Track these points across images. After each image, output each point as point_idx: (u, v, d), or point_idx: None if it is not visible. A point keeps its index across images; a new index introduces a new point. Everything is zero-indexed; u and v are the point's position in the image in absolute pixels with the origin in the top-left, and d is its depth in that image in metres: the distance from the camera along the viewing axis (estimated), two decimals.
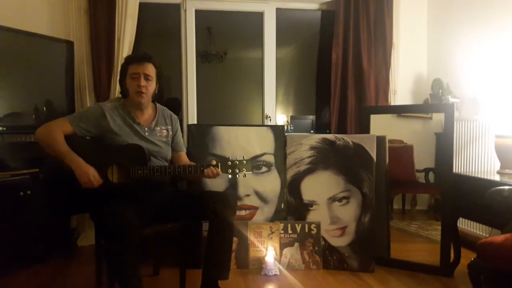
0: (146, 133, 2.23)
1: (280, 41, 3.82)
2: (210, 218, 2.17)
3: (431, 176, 3.03)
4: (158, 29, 5.45)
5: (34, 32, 2.95)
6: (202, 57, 6.43)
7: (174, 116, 2.43)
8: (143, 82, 2.16)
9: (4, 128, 2.75)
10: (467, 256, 2.57)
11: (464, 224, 3.16)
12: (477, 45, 3.28)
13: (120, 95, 2.33)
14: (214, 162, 2.14)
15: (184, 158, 2.43)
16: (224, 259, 2.17)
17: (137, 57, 2.25)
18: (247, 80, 6.77)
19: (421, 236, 3.27)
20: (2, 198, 2.54)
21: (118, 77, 2.30)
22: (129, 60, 2.24)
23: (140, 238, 1.96)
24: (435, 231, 3.15)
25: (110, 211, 1.90)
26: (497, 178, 2.52)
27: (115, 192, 2.07)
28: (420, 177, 3.06)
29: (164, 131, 2.31)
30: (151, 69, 2.20)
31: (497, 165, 2.76)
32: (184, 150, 2.47)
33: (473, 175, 2.72)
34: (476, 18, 3.29)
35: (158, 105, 2.37)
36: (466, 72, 3.39)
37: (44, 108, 3.02)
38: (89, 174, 2.00)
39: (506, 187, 2.01)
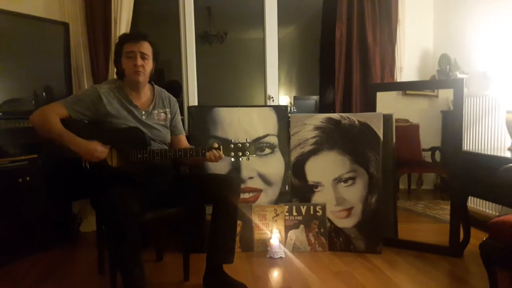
0: (143, 117, 2.16)
1: (282, 20, 3.72)
2: (214, 202, 2.12)
3: (437, 155, 2.98)
4: (156, 9, 5.34)
5: (28, 14, 2.86)
6: (202, 38, 6.33)
7: (173, 98, 2.36)
8: (139, 61, 2.09)
9: (1, 114, 2.69)
10: (476, 236, 2.54)
11: (473, 203, 3.11)
12: (486, 18, 3.16)
13: (116, 77, 2.25)
14: (216, 145, 2.08)
15: (184, 142, 2.36)
16: (228, 243, 2.13)
17: (132, 35, 2.17)
18: (248, 61, 6.67)
19: (428, 215, 3.24)
20: (1, 185, 2.49)
21: (113, 58, 2.22)
22: (123, 39, 2.15)
23: (141, 224, 1.91)
24: (442, 211, 3.12)
25: (109, 198, 1.84)
26: (508, 154, 2.45)
27: (115, 177, 2.02)
28: (426, 156, 3.02)
29: (162, 114, 2.25)
30: (147, 47, 2.12)
31: (508, 141, 2.69)
32: (184, 133, 2.40)
33: (483, 152, 2.64)
34: None
35: (156, 86, 2.30)
36: (475, 47, 3.29)
37: (44, 94, 2.96)
38: (92, 148, 1.96)
39: None
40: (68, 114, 2.05)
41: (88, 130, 2.07)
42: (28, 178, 2.62)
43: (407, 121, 3.01)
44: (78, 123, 2.09)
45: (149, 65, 2.15)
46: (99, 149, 1.98)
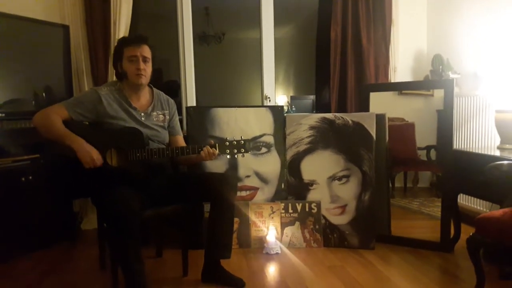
0: (143, 118, 2.22)
1: (279, 20, 3.77)
2: (212, 200, 2.19)
3: (432, 153, 3.03)
4: (154, 11, 5.39)
5: (29, 17, 2.91)
6: (200, 38, 6.37)
7: (171, 101, 2.41)
8: (142, 65, 2.14)
9: (3, 115, 2.75)
10: (468, 232, 2.59)
11: (465, 200, 3.17)
12: (478, 19, 3.22)
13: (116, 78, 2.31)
14: (212, 142, 2.13)
15: (180, 142, 2.42)
16: (225, 239, 2.19)
17: (133, 39, 2.21)
18: (246, 61, 6.71)
19: (423, 213, 3.30)
20: (4, 184, 2.56)
21: (112, 60, 2.28)
22: (124, 42, 2.20)
23: (141, 221, 1.96)
24: (436, 208, 3.17)
25: (109, 196, 1.90)
26: (497, 153, 2.51)
27: (115, 176, 2.07)
28: (422, 154, 3.06)
29: (161, 115, 2.30)
30: (147, 51, 2.18)
31: (497, 140, 2.76)
32: (181, 134, 2.46)
33: (473, 150, 2.71)
34: None
35: (154, 89, 2.35)
36: (467, 48, 3.35)
37: (44, 94, 3.01)
38: (91, 153, 2.00)
39: (505, 162, 2.01)
40: (69, 115, 2.10)
41: (88, 131, 2.13)
42: (30, 177, 2.69)
43: (403, 120, 3.05)
44: (78, 124, 2.14)
45: (149, 68, 2.20)
46: (95, 156, 2.00)
